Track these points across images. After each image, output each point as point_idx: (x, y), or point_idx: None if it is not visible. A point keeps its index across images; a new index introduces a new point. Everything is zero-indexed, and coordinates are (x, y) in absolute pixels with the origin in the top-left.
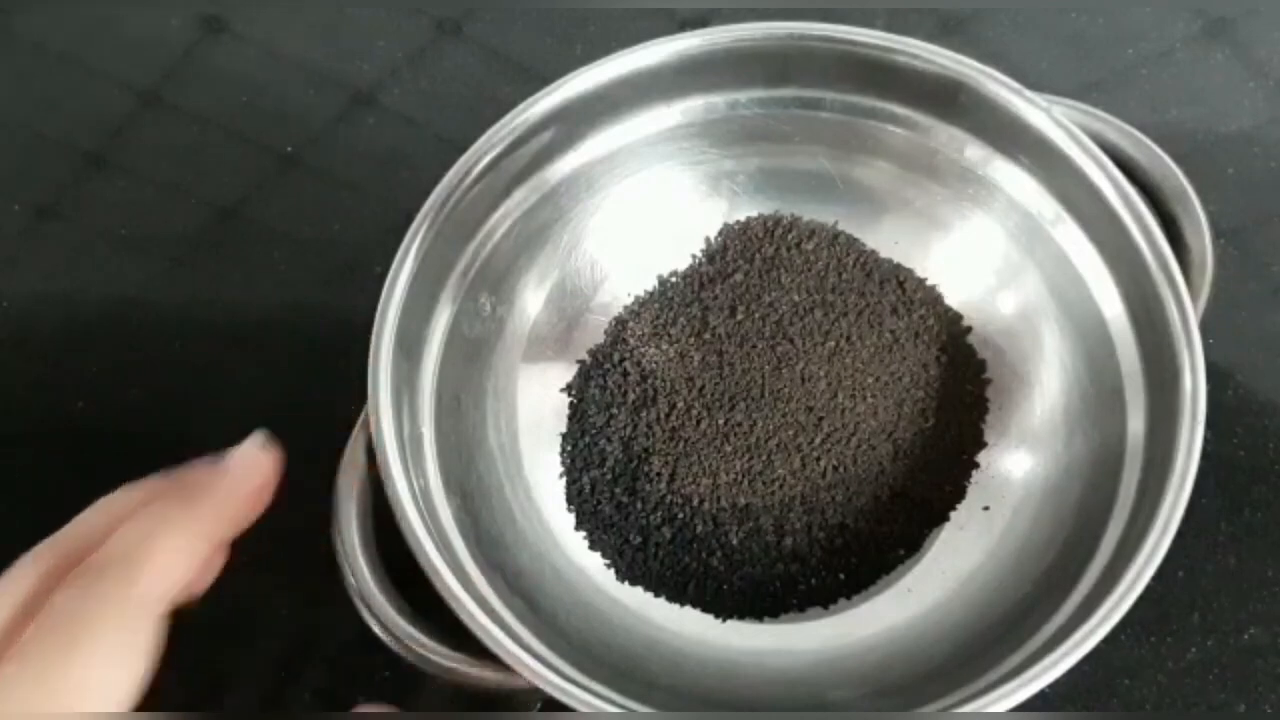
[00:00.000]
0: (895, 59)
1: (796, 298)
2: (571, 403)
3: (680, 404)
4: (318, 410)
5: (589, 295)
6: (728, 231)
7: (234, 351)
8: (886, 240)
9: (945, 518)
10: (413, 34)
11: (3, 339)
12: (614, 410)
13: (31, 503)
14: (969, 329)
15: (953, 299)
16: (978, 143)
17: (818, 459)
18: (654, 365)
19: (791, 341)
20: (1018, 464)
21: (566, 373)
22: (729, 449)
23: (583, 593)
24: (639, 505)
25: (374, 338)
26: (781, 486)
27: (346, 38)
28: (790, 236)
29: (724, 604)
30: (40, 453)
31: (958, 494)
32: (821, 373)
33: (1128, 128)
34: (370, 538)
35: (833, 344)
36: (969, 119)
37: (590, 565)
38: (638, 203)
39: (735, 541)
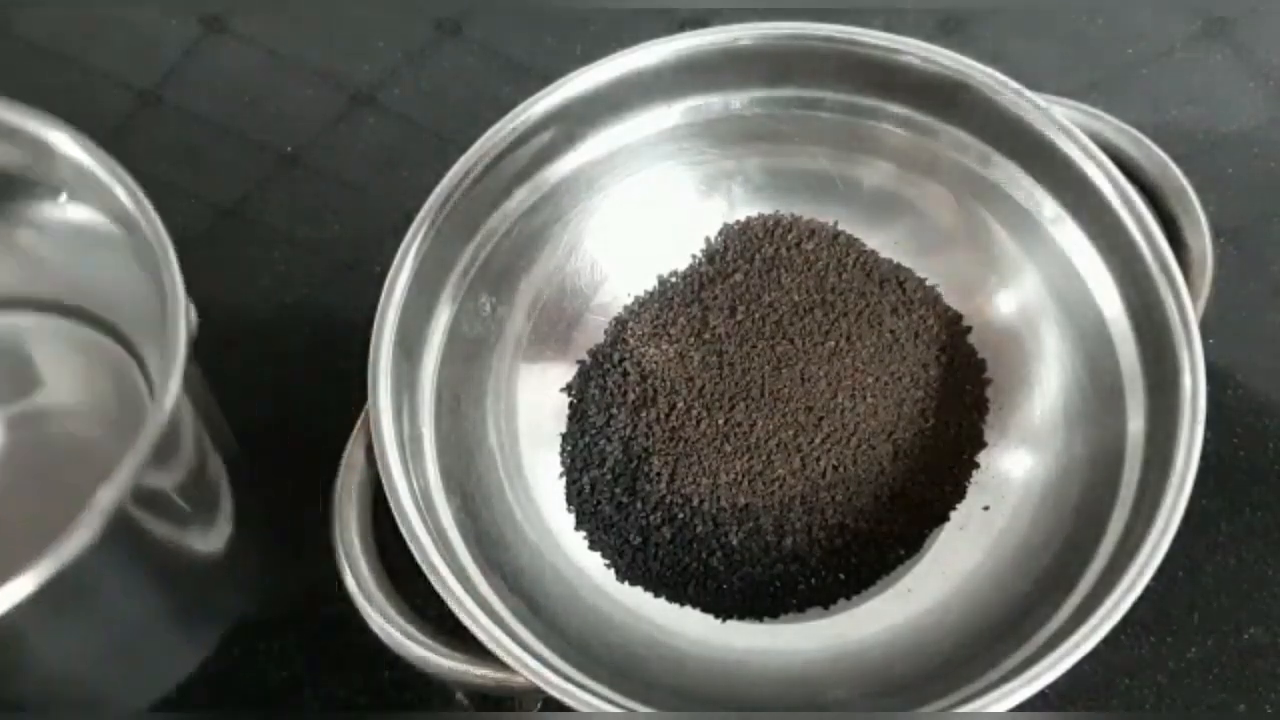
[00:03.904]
0: (895, 59)
1: (796, 298)
2: (571, 403)
3: (680, 404)
4: (318, 410)
5: (589, 295)
6: (728, 231)
7: (234, 351)
8: (886, 240)
9: (945, 518)
10: (413, 34)
11: None
12: (614, 410)
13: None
14: (969, 329)
15: (952, 299)
16: (978, 143)
17: (818, 459)
18: (654, 365)
19: (791, 341)
20: (1018, 464)
21: (566, 373)
22: (729, 449)
23: (583, 593)
24: (639, 505)
25: (374, 338)
26: (781, 486)
27: (346, 38)
28: (790, 236)
29: (724, 604)
30: None
31: (958, 494)
32: (821, 373)
33: (1128, 128)
34: (370, 538)
35: (833, 344)
36: (969, 119)
37: (590, 565)
38: (638, 203)
39: (735, 541)
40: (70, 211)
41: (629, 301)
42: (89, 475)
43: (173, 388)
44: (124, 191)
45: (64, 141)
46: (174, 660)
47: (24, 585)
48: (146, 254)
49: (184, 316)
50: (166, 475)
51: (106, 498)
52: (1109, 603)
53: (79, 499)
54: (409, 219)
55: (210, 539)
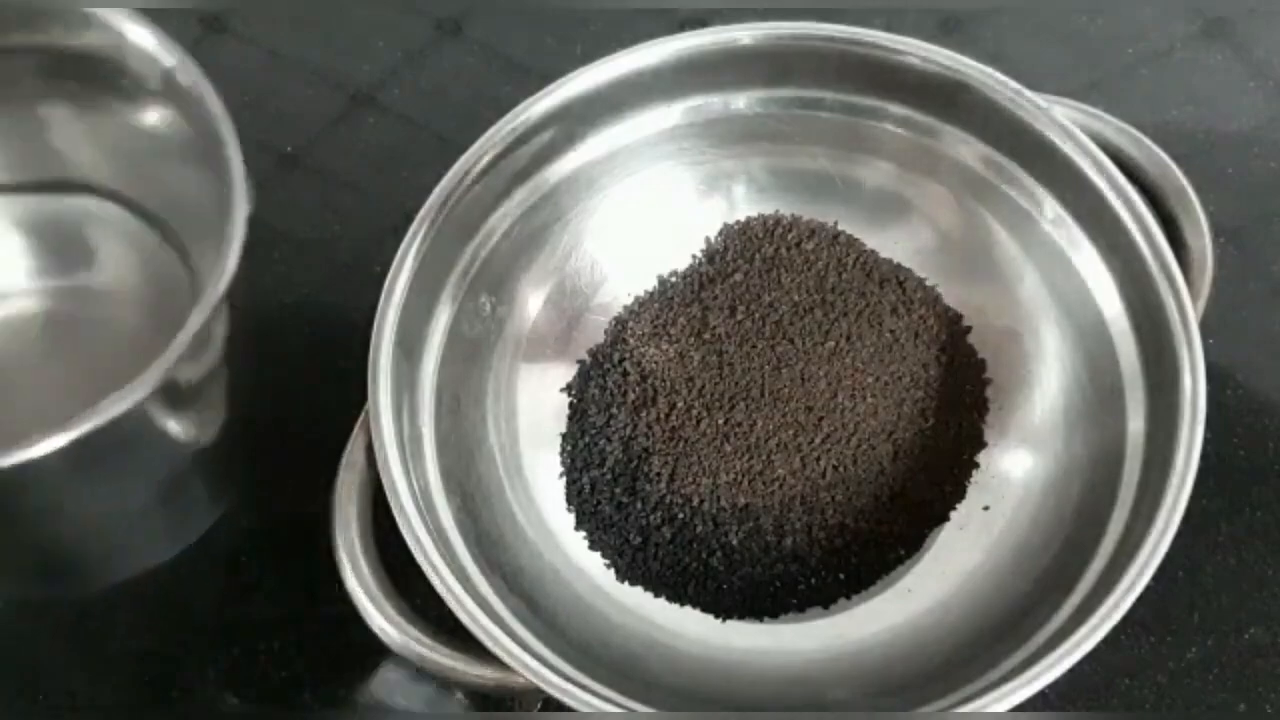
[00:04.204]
0: (895, 59)
1: (796, 298)
2: (571, 403)
3: (680, 404)
4: (318, 410)
5: (589, 295)
6: (728, 231)
7: (234, 351)
8: (886, 240)
9: (945, 518)
10: (413, 34)
11: None
12: (614, 410)
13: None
14: (969, 329)
15: (953, 299)
16: (978, 143)
17: (818, 459)
18: (654, 365)
19: (791, 341)
20: (1018, 464)
21: (566, 373)
22: (729, 449)
23: (583, 593)
24: (639, 505)
25: (374, 338)
26: (781, 486)
27: (346, 38)
28: (790, 236)
29: (724, 604)
30: None
31: (958, 494)
32: (821, 373)
33: (1128, 128)
34: (370, 538)
35: (833, 344)
36: (969, 119)
37: (590, 565)
38: (638, 203)
39: (735, 541)
40: (146, 106)
41: (629, 301)
42: (119, 355)
43: (228, 267)
44: (184, 75)
45: (147, 39)
46: (180, 529)
47: (66, 436)
48: (213, 151)
49: (242, 209)
50: (202, 356)
51: (159, 367)
52: (1109, 603)
53: (105, 373)
54: (409, 219)
55: (204, 431)
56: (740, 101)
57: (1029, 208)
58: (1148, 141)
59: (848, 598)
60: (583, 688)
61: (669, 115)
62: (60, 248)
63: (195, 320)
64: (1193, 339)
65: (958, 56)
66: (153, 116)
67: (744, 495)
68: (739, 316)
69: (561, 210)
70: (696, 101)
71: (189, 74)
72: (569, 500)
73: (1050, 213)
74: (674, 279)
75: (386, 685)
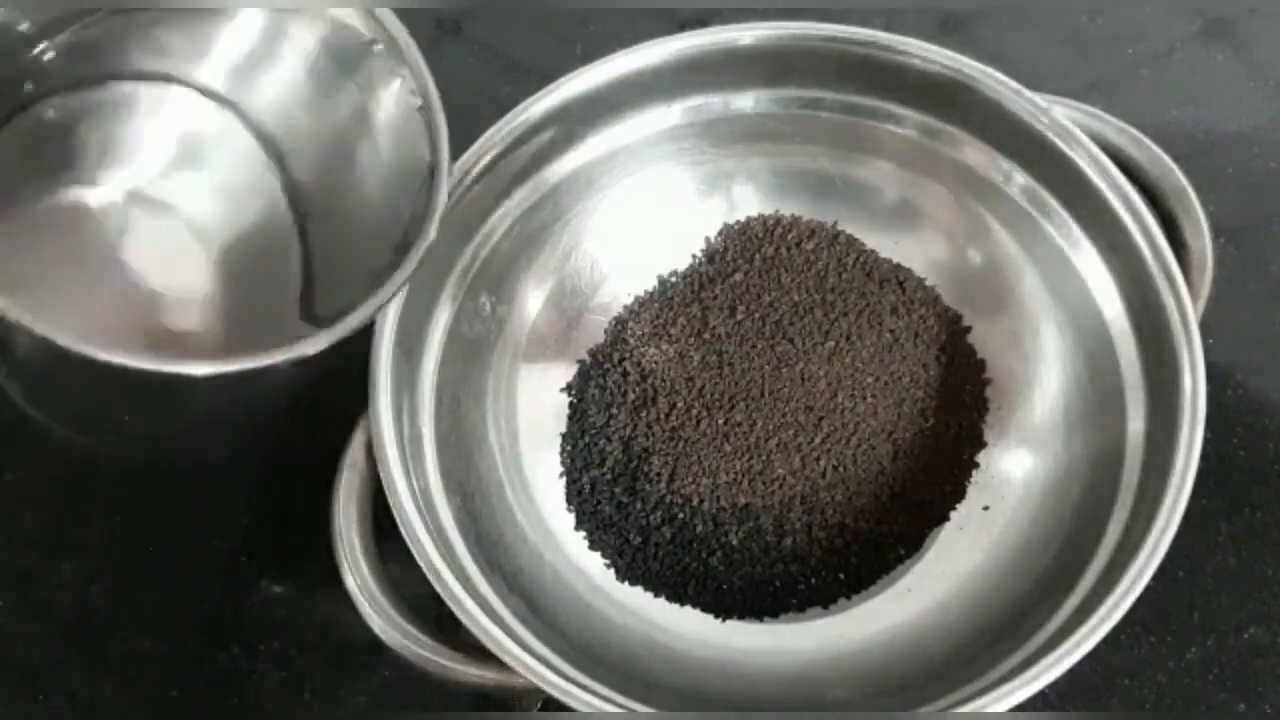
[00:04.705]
0: (895, 59)
1: (796, 298)
2: (571, 403)
3: (680, 404)
4: (318, 410)
5: (589, 295)
6: (728, 231)
7: None
8: (886, 240)
9: (945, 518)
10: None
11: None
12: (614, 410)
13: (35, 508)
14: (969, 329)
15: (952, 299)
16: (978, 143)
17: (818, 459)
18: (654, 365)
19: (791, 341)
20: (1018, 464)
21: (566, 373)
22: (729, 449)
23: (583, 593)
24: (639, 505)
25: (374, 338)
26: (781, 486)
27: None
28: (790, 236)
29: (724, 604)
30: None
31: (958, 494)
32: (821, 373)
33: (1128, 128)
34: (370, 538)
35: (833, 344)
36: (969, 119)
37: (590, 565)
38: (638, 203)
39: (735, 541)
40: (349, 74)
41: (629, 301)
42: (179, 271)
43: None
44: (409, 57)
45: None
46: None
47: (241, 364)
48: (409, 137)
49: (434, 226)
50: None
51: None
52: (1109, 603)
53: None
54: None
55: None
56: (740, 101)
57: (1029, 208)
58: (1148, 141)
59: (848, 598)
60: (583, 688)
61: (669, 115)
62: (176, 153)
63: (386, 292)
64: (1193, 339)
65: (958, 56)
66: (357, 91)
67: (744, 495)
68: (739, 316)
69: (561, 210)
70: (696, 101)
71: (413, 58)
72: (569, 500)
73: (1050, 212)
74: (674, 279)
75: None
